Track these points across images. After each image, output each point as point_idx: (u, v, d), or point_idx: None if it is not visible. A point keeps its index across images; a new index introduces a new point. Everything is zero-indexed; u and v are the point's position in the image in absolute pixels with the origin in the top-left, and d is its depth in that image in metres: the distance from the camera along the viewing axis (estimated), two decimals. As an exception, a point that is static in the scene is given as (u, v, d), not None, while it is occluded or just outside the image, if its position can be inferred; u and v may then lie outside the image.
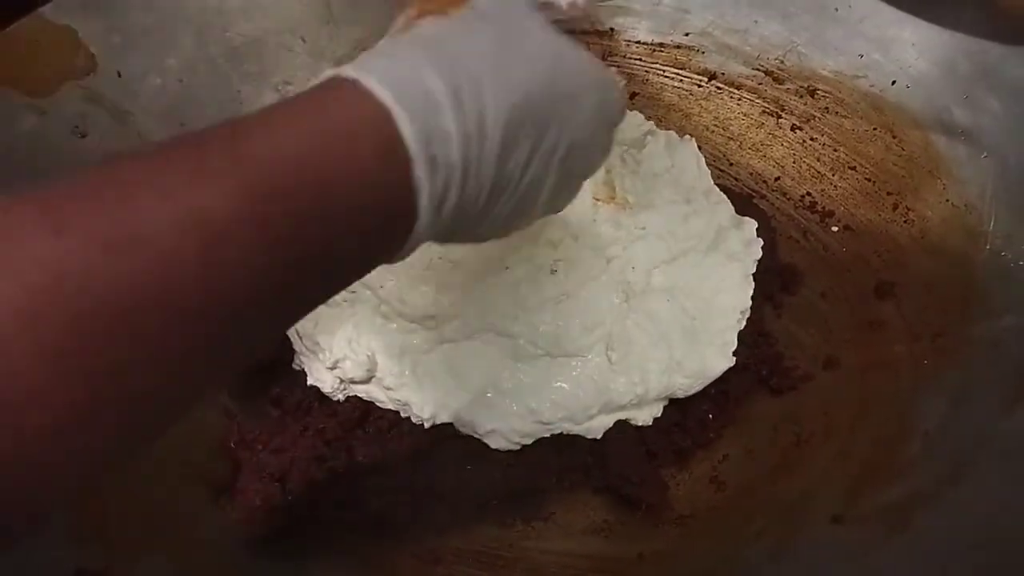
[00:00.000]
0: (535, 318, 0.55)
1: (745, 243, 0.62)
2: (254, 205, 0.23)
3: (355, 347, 0.57)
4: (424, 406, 0.55)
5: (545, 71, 0.32)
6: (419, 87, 0.28)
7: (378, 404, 0.57)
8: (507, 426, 0.54)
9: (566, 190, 0.39)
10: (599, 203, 0.60)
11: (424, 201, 0.28)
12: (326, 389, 0.58)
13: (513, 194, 0.33)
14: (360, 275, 0.30)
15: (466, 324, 0.56)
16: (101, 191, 0.22)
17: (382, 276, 0.56)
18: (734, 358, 0.58)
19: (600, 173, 0.60)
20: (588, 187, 0.60)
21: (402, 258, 0.31)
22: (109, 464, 0.23)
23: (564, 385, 0.55)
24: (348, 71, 0.28)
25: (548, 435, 0.56)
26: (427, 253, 0.56)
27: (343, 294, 0.58)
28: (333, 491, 0.54)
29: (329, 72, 0.29)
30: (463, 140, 0.28)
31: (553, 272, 0.56)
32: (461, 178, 0.29)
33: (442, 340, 0.56)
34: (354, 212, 0.26)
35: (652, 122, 0.67)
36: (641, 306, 0.57)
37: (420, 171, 0.28)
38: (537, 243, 0.57)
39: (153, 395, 0.23)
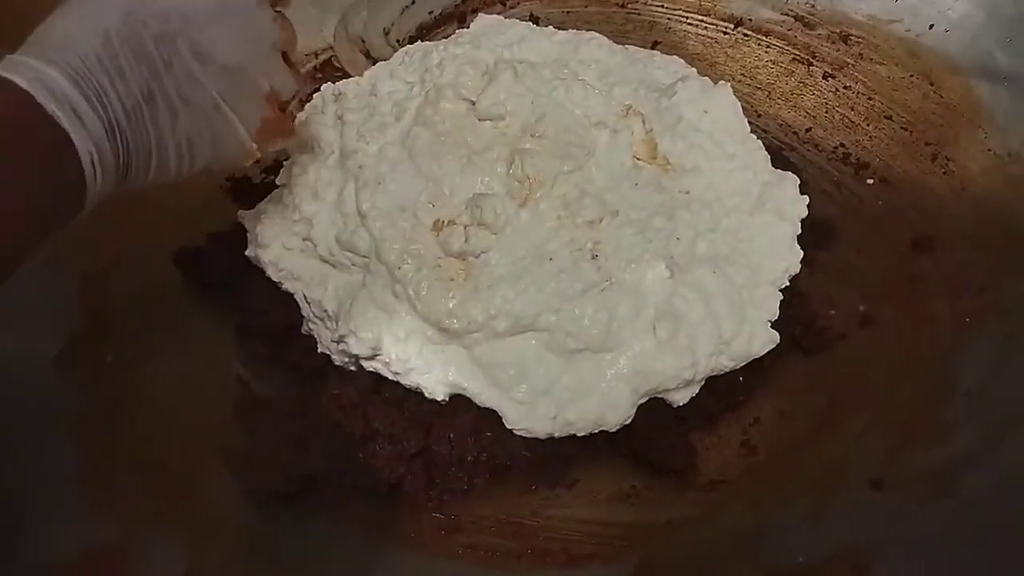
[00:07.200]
0: (577, 310, 0.51)
1: (789, 200, 0.58)
2: None
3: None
4: (437, 389, 0.52)
5: None
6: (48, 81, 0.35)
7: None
8: (539, 428, 0.51)
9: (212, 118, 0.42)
10: (640, 163, 0.56)
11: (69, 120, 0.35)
12: (336, 361, 0.56)
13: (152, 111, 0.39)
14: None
15: (495, 332, 0.51)
16: None
17: (399, 257, 0.52)
18: (778, 336, 0.55)
19: (640, 130, 0.57)
20: (627, 146, 0.57)
21: (88, 205, 0.37)
22: None
23: (606, 388, 0.51)
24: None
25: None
26: (452, 242, 0.53)
27: (357, 262, 0.55)
28: (350, 458, 0.53)
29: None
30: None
31: (594, 257, 0.52)
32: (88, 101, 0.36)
33: (464, 344, 0.52)
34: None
35: (694, 69, 0.63)
36: (687, 279, 0.53)
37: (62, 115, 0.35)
38: (575, 224, 0.53)
39: None
